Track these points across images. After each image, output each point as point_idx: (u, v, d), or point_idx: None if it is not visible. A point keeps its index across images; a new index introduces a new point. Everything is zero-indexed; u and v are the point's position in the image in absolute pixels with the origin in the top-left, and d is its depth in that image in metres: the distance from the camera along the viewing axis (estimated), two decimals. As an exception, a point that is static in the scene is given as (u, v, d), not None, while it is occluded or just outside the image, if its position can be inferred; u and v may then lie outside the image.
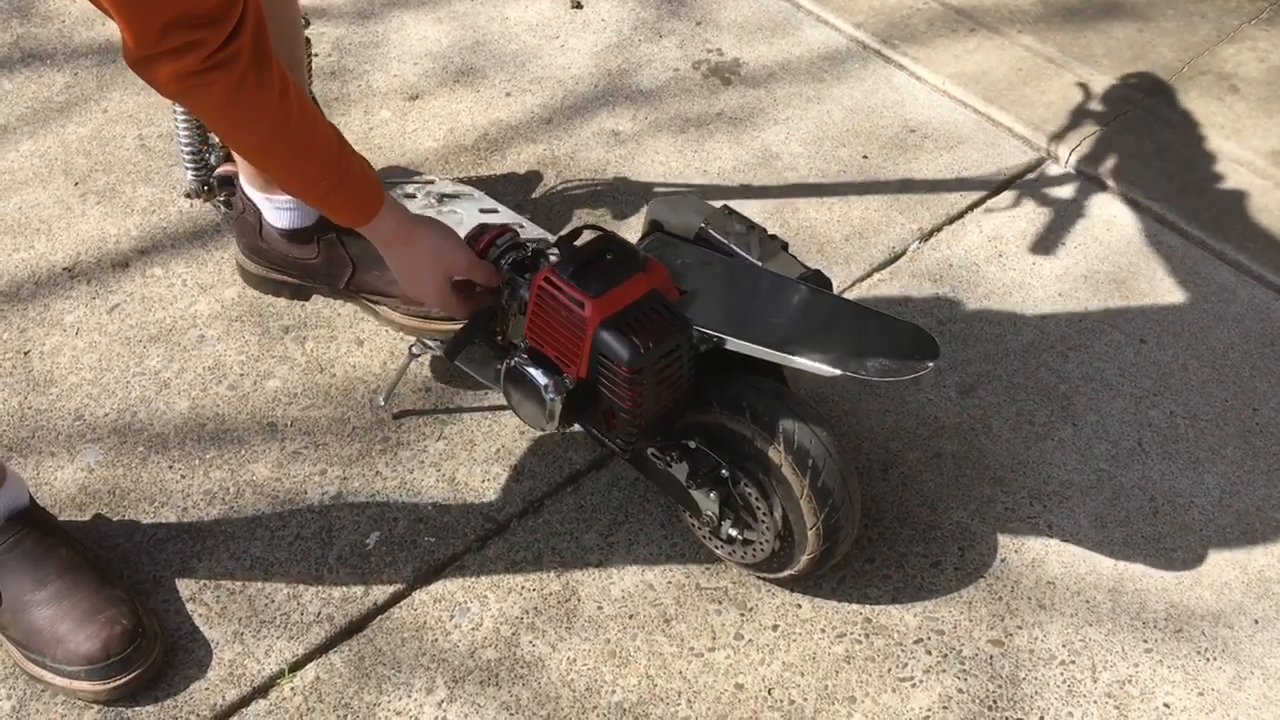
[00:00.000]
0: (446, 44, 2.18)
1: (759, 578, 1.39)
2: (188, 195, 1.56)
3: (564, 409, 1.22)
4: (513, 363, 1.24)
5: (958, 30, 2.22)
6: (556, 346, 1.22)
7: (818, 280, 1.30)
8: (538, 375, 1.22)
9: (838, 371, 1.16)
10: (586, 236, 1.24)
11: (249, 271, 1.50)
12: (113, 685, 1.25)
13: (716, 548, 1.37)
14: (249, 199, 1.43)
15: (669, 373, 1.20)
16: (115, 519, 1.44)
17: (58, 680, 1.26)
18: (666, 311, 1.18)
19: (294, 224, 1.41)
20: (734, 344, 1.20)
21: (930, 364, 1.18)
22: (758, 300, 1.26)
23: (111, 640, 1.25)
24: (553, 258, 1.23)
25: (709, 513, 1.30)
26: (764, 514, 1.28)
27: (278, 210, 1.40)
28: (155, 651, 1.29)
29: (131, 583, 1.38)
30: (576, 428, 1.31)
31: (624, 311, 1.17)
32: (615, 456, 1.45)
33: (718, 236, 1.33)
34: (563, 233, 1.28)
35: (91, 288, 1.72)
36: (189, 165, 1.53)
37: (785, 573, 1.33)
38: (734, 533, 1.31)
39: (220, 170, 1.55)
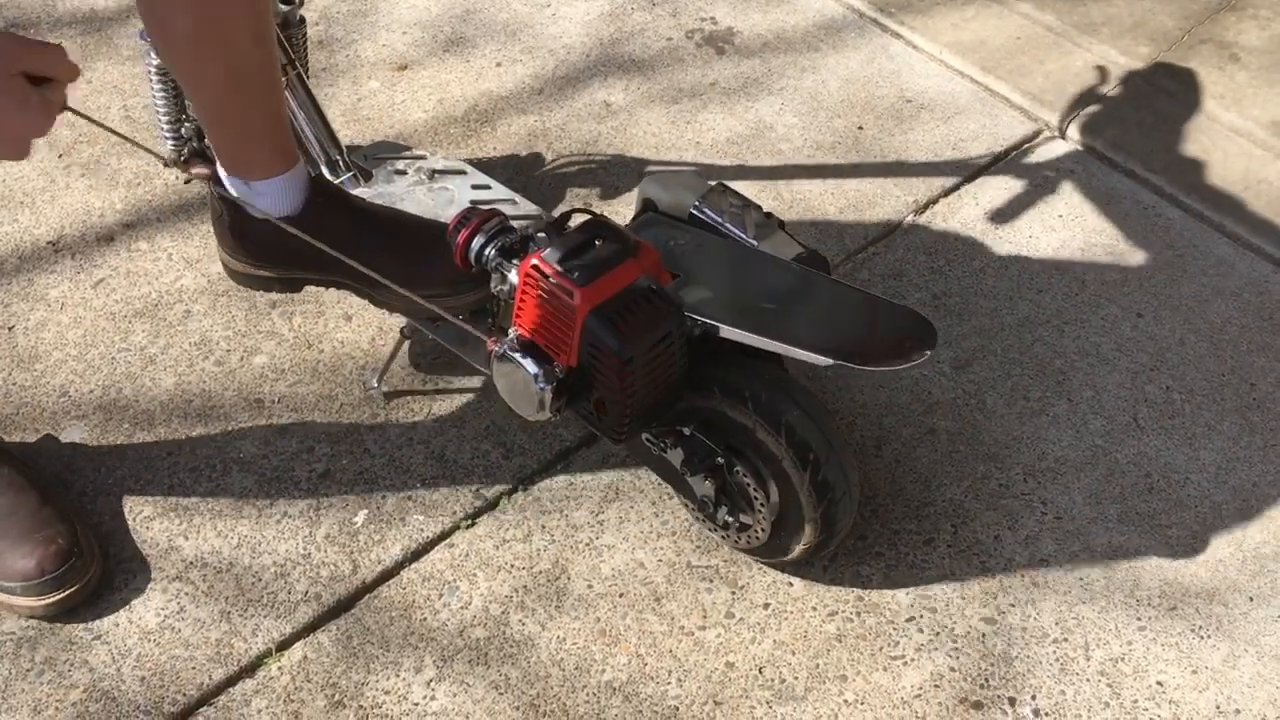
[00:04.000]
0: (436, 12, 2.15)
1: (753, 559, 1.38)
2: (166, 164, 1.54)
3: (554, 397, 1.20)
4: (502, 350, 1.22)
5: (955, -2, 2.18)
6: (545, 335, 1.19)
7: (814, 260, 1.28)
8: (528, 364, 1.19)
9: (831, 361, 1.13)
10: (576, 220, 1.21)
11: (235, 270, 1.47)
12: (48, 601, 1.30)
13: (711, 530, 1.36)
14: (227, 198, 1.39)
15: (660, 361, 1.17)
16: (100, 497, 1.43)
17: None
18: (657, 298, 1.16)
19: (278, 211, 1.37)
20: (727, 331, 1.17)
21: (927, 352, 1.15)
22: (751, 284, 1.23)
23: (46, 558, 1.29)
24: (541, 243, 1.21)
25: (704, 498, 1.29)
26: (761, 503, 1.26)
27: (259, 197, 1.36)
28: (91, 570, 1.33)
29: (117, 561, 1.37)
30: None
31: (613, 299, 1.14)
32: (606, 433, 1.43)
33: (712, 215, 1.30)
34: (552, 216, 1.25)
35: (76, 262, 1.70)
36: (166, 133, 1.51)
37: (780, 559, 1.32)
38: (729, 519, 1.30)
39: (196, 171, 1.51)
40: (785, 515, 1.26)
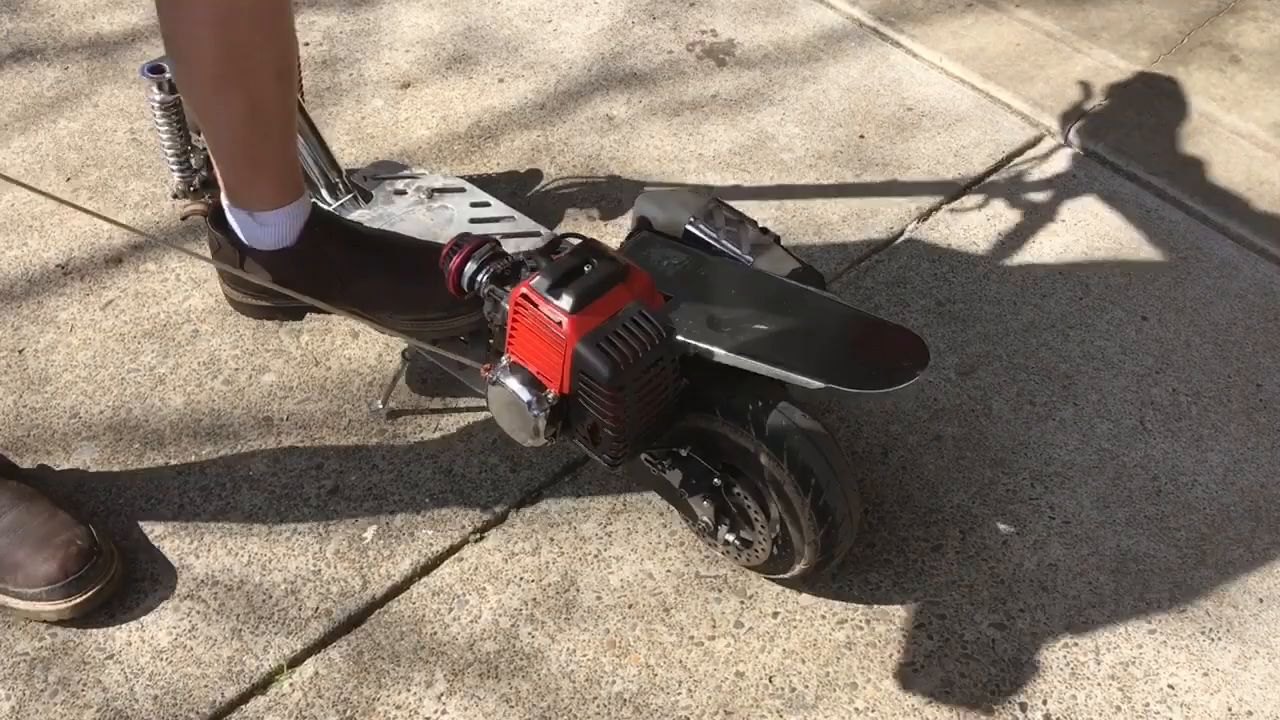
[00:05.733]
0: (439, 30, 2.17)
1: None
2: (175, 196, 1.55)
3: (548, 424, 1.20)
4: (496, 377, 1.22)
5: (955, 6, 2.19)
6: (537, 362, 1.19)
7: (809, 276, 1.28)
8: (520, 391, 1.19)
9: (823, 384, 1.13)
10: (568, 245, 1.20)
11: (237, 301, 1.48)
12: (74, 603, 1.31)
13: (711, 545, 1.36)
14: (227, 230, 1.40)
15: (652, 386, 1.17)
16: (112, 516, 1.44)
17: (20, 604, 1.32)
18: (648, 323, 1.15)
19: (278, 243, 1.38)
20: (720, 356, 1.17)
21: (918, 374, 1.14)
22: (744, 305, 1.23)
23: (69, 560, 1.31)
24: (530, 270, 1.20)
25: (704, 519, 1.29)
26: (761, 525, 1.26)
27: (261, 228, 1.37)
28: (113, 568, 1.34)
29: (129, 580, 1.37)
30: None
31: (603, 326, 1.13)
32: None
33: (707, 233, 1.30)
34: (552, 233, 1.24)
35: (85, 284, 1.72)
36: (174, 167, 1.51)
37: (780, 576, 1.33)
38: (730, 538, 1.30)
39: (191, 208, 1.52)
40: (786, 535, 1.26)
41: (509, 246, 1.57)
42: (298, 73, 1.59)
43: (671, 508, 1.44)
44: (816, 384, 1.13)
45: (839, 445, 1.24)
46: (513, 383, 1.20)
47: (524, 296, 1.17)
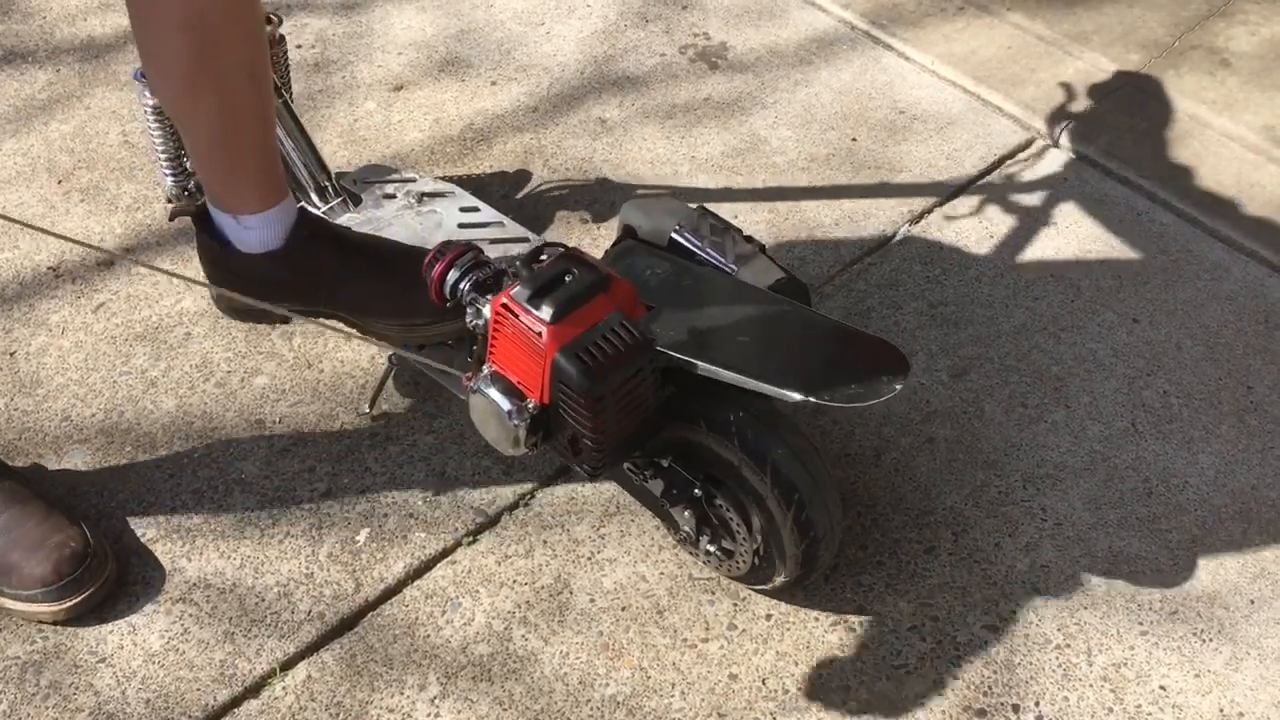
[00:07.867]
0: (431, 33, 2.17)
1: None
2: (170, 200, 1.54)
3: (529, 433, 1.20)
4: (476, 386, 1.22)
5: (946, 9, 2.20)
6: (517, 372, 1.19)
7: (792, 286, 1.27)
8: (501, 400, 1.19)
9: (802, 397, 1.13)
10: (550, 254, 1.20)
11: (225, 303, 1.48)
12: (67, 605, 1.32)
13: (693, 556, 1.37)
14: (213, 234, 1.39)
15: (632, 397, 1.16)
16: (104, 520, 1.43)
17: (15, 605, 1.33)
18: (628, 334, 1.15)
19: (264, 246, 1.37)
20: (702, 368, 1.17)
21: (898, 386, 1.14)
22: (726, 316, 1.22)
23: (63, 563, 1.31)
24: (512, 279, 1.19)
25: (685, 529, 1.29)
26: (743, 537, 1.26)
27: (246, 231, 1.36)
28: (107, 570, 1.35)
29: (121, 584, 1.37)
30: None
31: (582, 336, 1.13)
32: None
33: (692, 241, 1.30)
34: (541, 239, 1.23)
35: (76, 287, 1.71)
36: (167, 171, 1.51)
37: (760, 587, 1.33)
38: (711, 548, 1.30)
39: (178, 209, 1.51)
40: (767, 548, 1.26)
41: (497, 252, 1.57)
42: (283, 75, 1.59)
43: (664, 510, 1.44)
44: (797, 397, 1.13)
45: (823, 458, 1.24)
46: (493, 392, 1.19)
47: (504, 306, 1.16)
